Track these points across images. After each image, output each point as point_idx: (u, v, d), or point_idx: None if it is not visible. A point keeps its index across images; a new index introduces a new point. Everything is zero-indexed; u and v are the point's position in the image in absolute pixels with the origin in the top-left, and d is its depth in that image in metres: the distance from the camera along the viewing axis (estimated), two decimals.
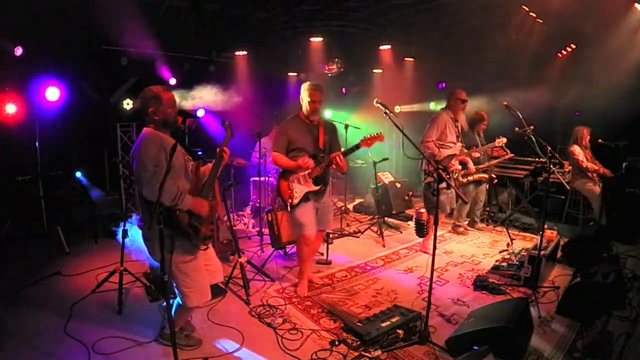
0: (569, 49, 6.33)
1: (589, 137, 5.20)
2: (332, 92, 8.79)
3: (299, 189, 3.29)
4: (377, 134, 3.19)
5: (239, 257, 3.54)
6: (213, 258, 2.67)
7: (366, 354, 2.59)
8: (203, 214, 2.39)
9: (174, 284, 2.46)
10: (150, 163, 2.23)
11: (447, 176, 4.17)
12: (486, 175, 5.06)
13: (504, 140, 4.72)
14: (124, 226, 3.46)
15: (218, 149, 2.55)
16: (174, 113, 2.42)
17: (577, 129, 5.26)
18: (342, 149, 3.35)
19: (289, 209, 3.33)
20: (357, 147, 3.18)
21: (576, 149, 5.12)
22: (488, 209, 6.01)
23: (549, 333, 2.90)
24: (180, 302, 2.51)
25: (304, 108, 3.32)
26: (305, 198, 3.31)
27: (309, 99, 3.25)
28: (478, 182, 5.12)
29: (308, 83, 3.32)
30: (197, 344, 2.74)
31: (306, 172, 3.27)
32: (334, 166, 3.21)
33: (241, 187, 5.84)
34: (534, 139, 3.80)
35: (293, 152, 3.32)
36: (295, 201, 3.29)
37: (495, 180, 5.39)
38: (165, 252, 2.24)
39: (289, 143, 3.30)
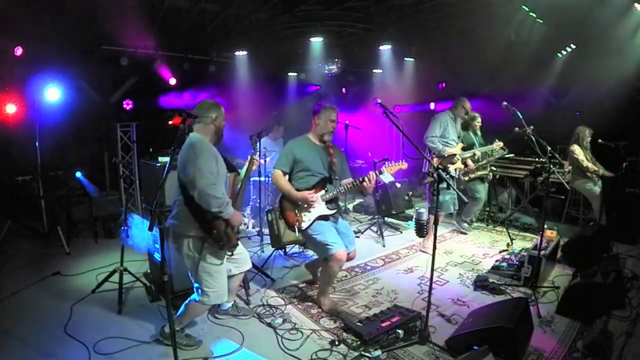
0: (569, 49, 6.33)
1: (589, 138, 5.16)
2: (332, 92, 8.80)
3: (310, 213, 3.13)
4: (401, 161, 3.15)
5: None
6: (240, 246, 2.84)
7: (366, 354, 2.59)
8: (237, 225, 2.61)
9: (196, 283, 2.60)
10: (208, 171, 2.39)
11: (448, 176, 4.18)
12: (486, 172, 5.07)
13: (501, 144, 4.90)
14: (125, 226, 3.46)
15: (249, 157, 2.94)
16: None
17: (579, 128, 5.18)
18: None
19: (297, 233, 3.14)
20: (380, 172, 3.11)
21: (576, 149, 5.09)
22: (488, 209, 6.01)
23: (549, 333, 2.90)
24: (198, 299, 2.61)
25: (320, 128, 3.21)
26: (318, 219, 3.15)
27: (329, 118, 3.18)
28: (482, 180, 5.13)
29: (327, 105, 3.26)
30: (197, 344, 2.74)
31: (319, 195, 3.14)
32: (364, 185, 3.06)
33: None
34: (533, 139, 3.79)
35: (301, 173, 3.17)
36: (304, 225, 3.10)
37: (498, 176, 5.46)
38: (195, 253, 2.51)
39: (295, 162, 3.17)
